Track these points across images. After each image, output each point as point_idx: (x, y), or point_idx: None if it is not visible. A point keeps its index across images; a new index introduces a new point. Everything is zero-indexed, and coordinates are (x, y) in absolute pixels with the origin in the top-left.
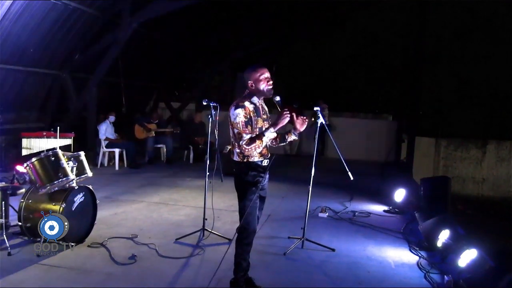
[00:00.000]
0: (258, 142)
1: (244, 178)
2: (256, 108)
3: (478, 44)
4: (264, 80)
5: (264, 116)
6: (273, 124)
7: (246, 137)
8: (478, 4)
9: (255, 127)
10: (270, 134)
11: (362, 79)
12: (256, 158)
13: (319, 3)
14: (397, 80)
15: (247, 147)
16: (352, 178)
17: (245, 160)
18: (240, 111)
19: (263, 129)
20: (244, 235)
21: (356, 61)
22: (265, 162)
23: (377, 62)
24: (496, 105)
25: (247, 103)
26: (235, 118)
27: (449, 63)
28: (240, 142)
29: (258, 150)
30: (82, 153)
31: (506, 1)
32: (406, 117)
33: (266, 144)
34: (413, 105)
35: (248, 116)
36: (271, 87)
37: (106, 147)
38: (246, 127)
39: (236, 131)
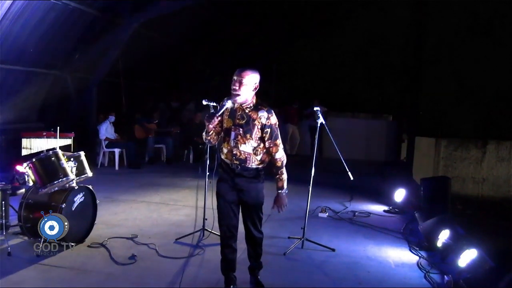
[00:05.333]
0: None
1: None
2: (232, 109)
3: (478, 44)
4: (232, 84)
5: (240, 122)
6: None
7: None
8: (478, 4)
9: (224, 124)
10: (205, 134)
11: (362, 79)
12: (223, 156)
13: (319, 3)
14: (397, 80)
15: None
16: (352, 178)
17: (220, 155)
18: (219, 105)
19: (230, 130)
20: (219, 229)
21: (356, 61)
22: (234, 166)
23: (377, 62)
24: (496, 105)
25: (224, 101)
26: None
27: (449, 63)
28: None
29: (224, 149)
30: (82, 153)
31: (506, 1)
32: (406, 117)
33: (231, 149)
34: (413, 105)
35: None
36: (233, 90)
37: (106, 147)
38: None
39: None
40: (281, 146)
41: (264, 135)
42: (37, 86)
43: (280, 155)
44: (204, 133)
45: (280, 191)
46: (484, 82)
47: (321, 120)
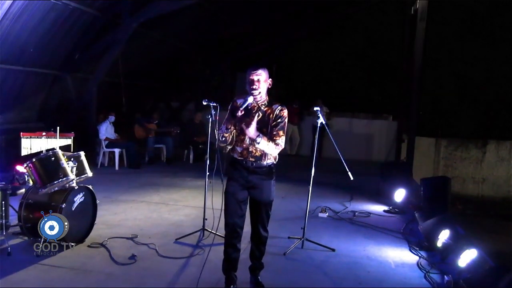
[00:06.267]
0: (217, 134)
1: (227, 172)
2: (247, 108)
3: (478, 44)
4: (248, 83)
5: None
6: (225, 122)
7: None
8: (478, 5)
9: (237, 124)
10: (223, 129)
11: (362, 79)
12: (235, 155)
13: (320, 3)
14: (397, 80)
15: (217, 136)
16: (352, 178)
17: (230, 154)
18: (230, 105)
19: (244, 129)
20: (224, 227)
21: (356, 61)
22: (249, 164)
23: (377, 62)
24: (496, 105)
25: (239, 100)
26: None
27: (449, 63)
28: None
29: (238, 148)
30: (82, 153)
31: (506, 1)
32: (406, 117)
33: (247, 147)
34: (413, 105)
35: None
36: (252, 91)
37: (106, 147)
38: (227, 120)
39: None
40: (282, 139)
41: (274, 124)
42: (37, 86)
43: (280, 142)
44: (222, 131)
45: (256, 133)
46: (484, 83)
47: (321, 120)
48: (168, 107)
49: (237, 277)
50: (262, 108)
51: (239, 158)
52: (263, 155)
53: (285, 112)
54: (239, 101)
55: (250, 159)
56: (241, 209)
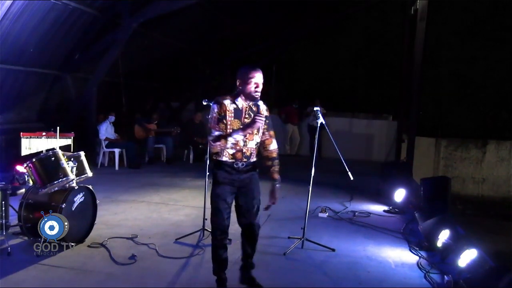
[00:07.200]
0: (223, 141)
1: (213, 176)
2: (236, 109)
3: (478, 44)
4: (252, 84)
5: (247, 121)
6: (242, 128)
7: (215, 133)
8: (478, 4)
9: (229, 127)
10: (237, 137)
11: (362, 79)
12: (225, 159)
13: (320, 3)
14: (397, 80)
15: (213, 144)
16: (352, 178)
17: (215, 158)
18: (215, 106)
19: (238, 131)
20: (212, 234)
21: (356, 61)
22: (240, 165)
23: (377, 62)
24: (496, 105)
25: (226, 101)
26: (209, 113)
27: (449, 63)
28: (208, 137)
29: (230, 150)
30: (82, 153)
31: (505, 1)
32: (406, 117)
33: (241, 149)
34: (413, 105)
35: (223, 114)
36: (257, 93)
37: (106, 147)
38: (217, 124)
39: (209, 125)
40: (274, 138)
41: (265, 126)
42: (37, 86)
43: (275, 146)
44: (216, 136)
45: (277, 184)
46: (484, 83)
47: (321, 120)
48: (168, 107)
49: (236, 277)
50: (253, 108)
51: (231, 160)
52: (252, 154)
53: (267, 110)
54: (225, 102)
55: (243, 160)
56: (230, 211)
